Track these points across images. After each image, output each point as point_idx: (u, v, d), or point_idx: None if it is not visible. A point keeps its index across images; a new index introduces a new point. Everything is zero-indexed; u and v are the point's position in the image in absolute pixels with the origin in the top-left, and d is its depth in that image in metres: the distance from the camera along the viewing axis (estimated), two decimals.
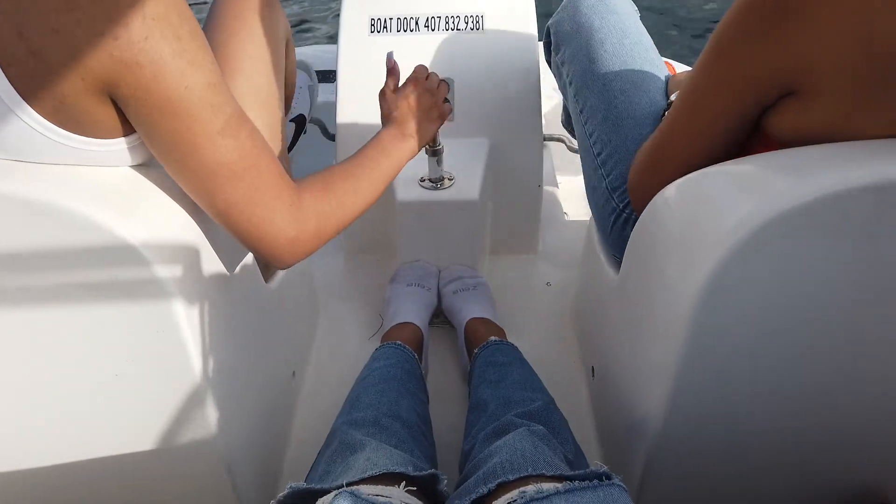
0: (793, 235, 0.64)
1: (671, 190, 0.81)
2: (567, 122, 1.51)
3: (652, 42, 1.20)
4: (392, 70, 1.08)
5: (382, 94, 1.07)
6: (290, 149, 1.58)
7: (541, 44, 1.47)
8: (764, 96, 0.71)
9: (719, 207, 0.69)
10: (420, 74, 1.09)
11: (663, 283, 0.79)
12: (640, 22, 1.25)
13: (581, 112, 1.17)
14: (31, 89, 0.60)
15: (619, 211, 1.04)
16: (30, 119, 0.62)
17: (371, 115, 1.07)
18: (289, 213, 0.77)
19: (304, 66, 1.71)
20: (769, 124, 0.73)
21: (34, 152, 0.64)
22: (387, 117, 1.05)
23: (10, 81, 0.59)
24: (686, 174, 0.79)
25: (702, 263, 0.68)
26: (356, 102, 1.49)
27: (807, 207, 0.61)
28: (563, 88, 1.31)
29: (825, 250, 0.65)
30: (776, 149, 0.72)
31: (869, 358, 0.75)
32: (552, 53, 1.32)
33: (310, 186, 0.82)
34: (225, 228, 0.77)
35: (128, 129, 0.68)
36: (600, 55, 1.14)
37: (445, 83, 1.13)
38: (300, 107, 1.62)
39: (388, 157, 0.96)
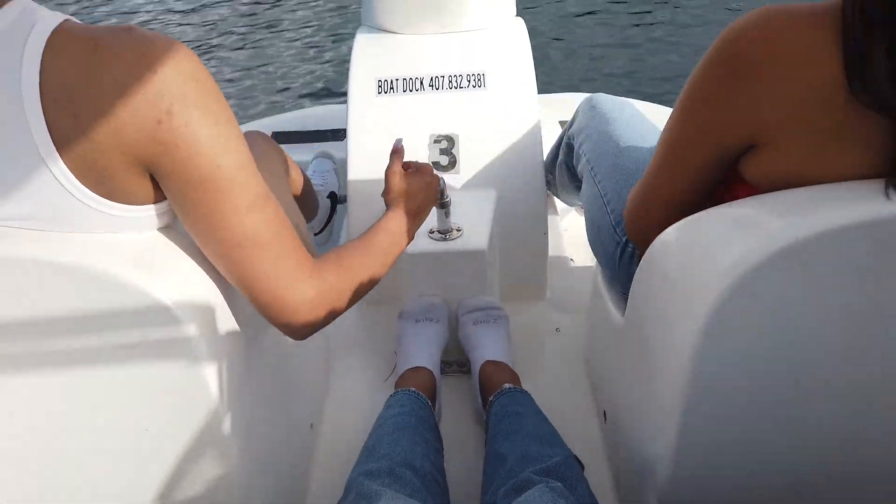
0: (785, 274, 0.67)
1: (670, 234, 0.84)
2: (550, 167, 1.64)
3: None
4: (398, 151, 1.14)
5: (391, 174, 1.10)
6: (327, 222, 1.76)
7: (540, 98, 1.54)
8: (729, 149, 0.77)
9: (714, 249, 0.73)
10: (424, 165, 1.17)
11: (665, 324, 0.82)
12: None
13: (588, 160, 1.28)
14: (79, 163, 0.66)
15: (622, 244, 1.10)
16: (73, 188, 0.67)
17: (380, 172, 1.12)
18: (309, 286, 0.81)
19: (328, 155, 1.92)
20: (742, 170, 0.78)
21: (69, 216, 0.69)
22: (394, 199, 1.09)
23: (61, 157, 0.65)
24: (672, 211, 0.84)
25: (700, 304, 0.71)
26: (366, 160, 1.55)
27: (797, 247, 0.64)
28: (578, 169, 1.41)
29: (817, 288, 0.68)
30: (754, 190, 0.76)
31: (868, 390, 0.76)
32: (570, 156, 1.45)
33: (327, 263, 0.86)
34: (246, 298, 0.81)
35: (158, 196, 0.74)
36: (612, 126, 1.28)
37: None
38: (330, 185, 1.81)
39: (395, 242, 1.01)
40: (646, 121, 1.35)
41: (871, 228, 0.64)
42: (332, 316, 0.85)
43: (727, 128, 0.74)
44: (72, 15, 0.69)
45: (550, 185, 1.71)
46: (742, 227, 0.72)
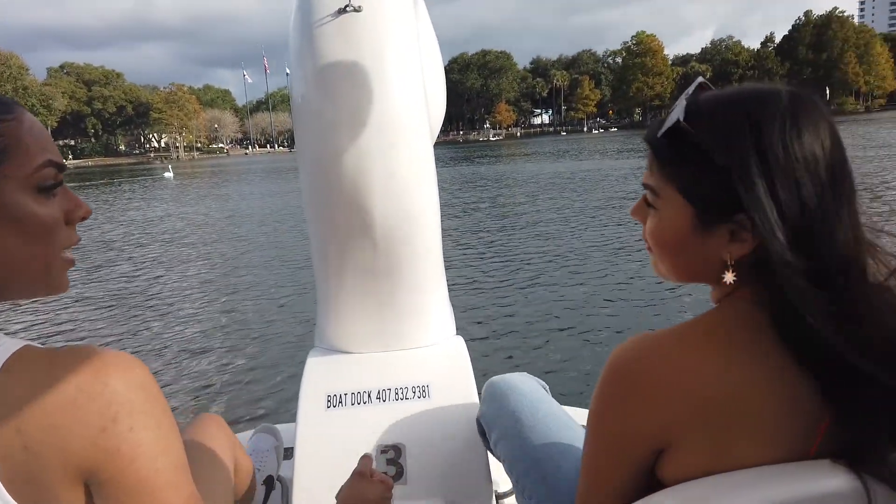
0: None
1: None
2: None
3: (563, 409, 1.41)
4: (370, 458, 1.24)
5: (360, 474, 1.18)
6: None
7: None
8: (639, 455, 0.84)
9: None
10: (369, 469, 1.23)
11: None
12: (548, 395, 1.48)
13: (517, 483, 1.30)
14: (14, 477, 0.67)
15: None
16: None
17: (327, 484, 1.15)
18: None
19: (270, 430, 1.82)
20: (660, 475, 0.85)
21: None
22: (353, 499, 1.14)
23: None
24: None
25: None
26: (315, 475, 1.55)
27: None
28: (505, 469, 1.43)
29: None
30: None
31: None
32: (487, 440, 1.49)
33: None
34: None
35: None
36: (521, 433, 1.33)
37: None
38: (268, 468, 1.68)
39: None
40: (550, 409, 1.39)
41: None
42: None
43: (631, 437, 0.83)
44: None
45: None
46: None
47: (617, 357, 0.83)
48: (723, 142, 0.77)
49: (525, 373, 1.56)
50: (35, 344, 0.73)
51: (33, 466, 0.67)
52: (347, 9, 1.46)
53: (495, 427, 1.41)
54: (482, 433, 1.51)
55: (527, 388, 1.45)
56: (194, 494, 0.77)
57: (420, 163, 1.58)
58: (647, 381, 0.79)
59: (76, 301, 8.58)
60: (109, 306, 8.23)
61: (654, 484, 0.85)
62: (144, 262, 11.34)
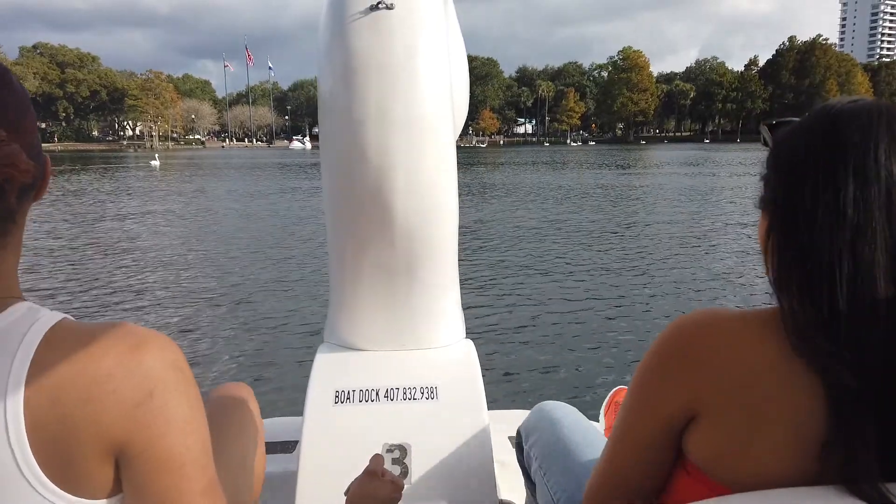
0: None
1: None
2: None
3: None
4: (381, 457, 1.23)
5: (370, 473, 1.18)
6: None
7: (490, 414, 1.66)
8: (674, 419, 0.87)
9: None
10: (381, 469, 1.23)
11: None
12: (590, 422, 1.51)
13: (539, 465, 1.32)
14: (47, 448, 0.67)
15: None
16: (32, 476, 0.67)
17: (331, 481, 1.14)
18: None
19: None
20: (685, 447, 0.88)
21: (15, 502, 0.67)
22: (359, 501, 1.14)
23: (30, 443, 0.67)
24: (627, 492, 0.91)
25: None
26: (319, 470, 1.54)
27: None
28: (531, 472, 1.45)
29: None
30: (695, 471, 0.85)
31: None
32: (522, 448, 1.50)
33: None
34: None
35: (115, 489, 0.73)
36: (560, 429, 1.39)
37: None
38: None
39: None
40: (590, 425, 1.47)
41: None
42: None
43: (671, 397, 0.86)
44: None
45: None
46: None
47: (682, 324, 0.86)
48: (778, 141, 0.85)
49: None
50: (70, 318, 0.74)
51: (67, 439, 0.67)
52: (380, 6, 1.46)
53: (533, 433, 1.45)
54: (518, 445, 1.53)
55: (577, 416, 1.50)
56: (215, 478, 0.78)
57: (443, 163, 1.58)
58: (700, 345, 0.82)
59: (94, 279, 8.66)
60: (117, 291, 8.26)
61: (679, 461, 0.88)
62: (148, 249, 11.33)
